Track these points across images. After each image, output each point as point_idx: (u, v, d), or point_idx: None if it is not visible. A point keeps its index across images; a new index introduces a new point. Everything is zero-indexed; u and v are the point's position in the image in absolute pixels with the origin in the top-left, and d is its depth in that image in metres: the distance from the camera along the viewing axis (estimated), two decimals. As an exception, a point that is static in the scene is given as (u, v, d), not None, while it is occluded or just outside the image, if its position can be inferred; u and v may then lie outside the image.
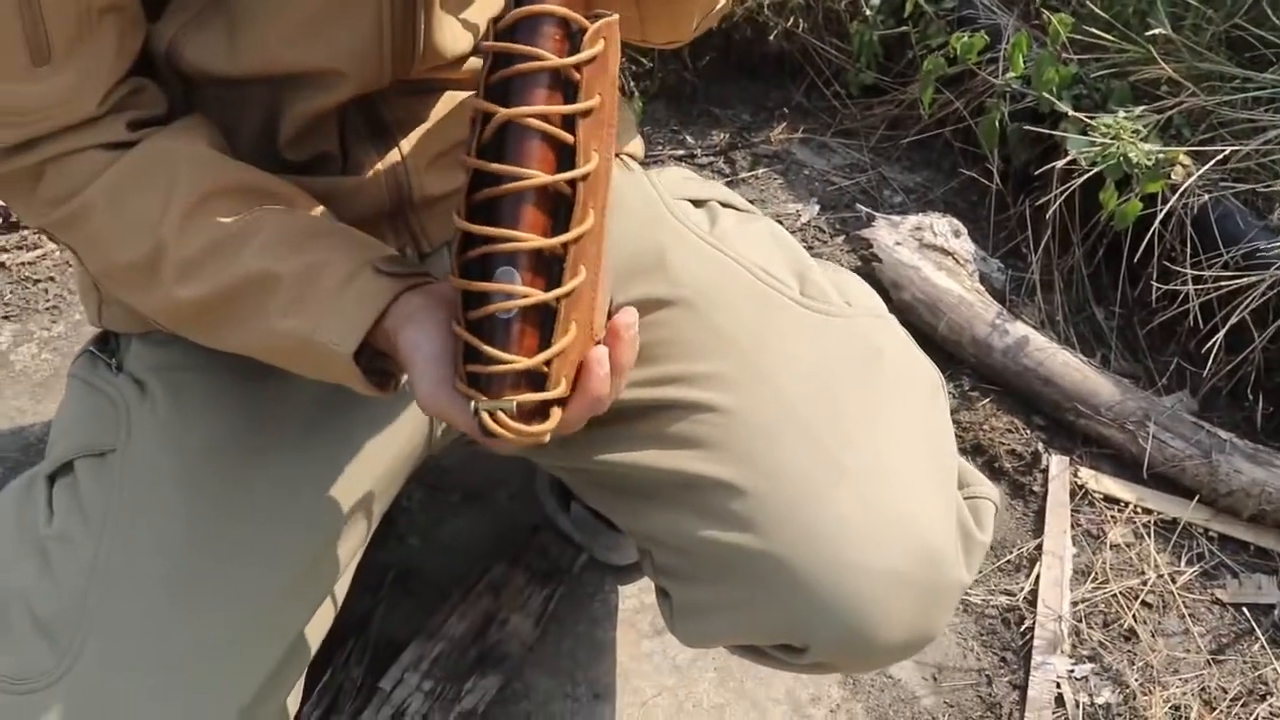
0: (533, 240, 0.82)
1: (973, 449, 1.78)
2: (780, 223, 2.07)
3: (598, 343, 0.88)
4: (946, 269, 1.90)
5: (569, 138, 0.82)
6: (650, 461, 1.07)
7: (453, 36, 1.03)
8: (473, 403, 0.82)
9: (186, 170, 0.94)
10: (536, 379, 0.84)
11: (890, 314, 1.17)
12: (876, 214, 1.98)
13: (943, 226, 1.93)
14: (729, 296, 1.11)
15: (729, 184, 2.16)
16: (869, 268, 1.93)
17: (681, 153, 2.22)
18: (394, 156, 1.06)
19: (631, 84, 2.21)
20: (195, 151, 0.96)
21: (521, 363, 0.82)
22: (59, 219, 0.98)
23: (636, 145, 1.28)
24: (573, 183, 0.83)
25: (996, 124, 1.94)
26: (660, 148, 2.23)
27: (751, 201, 2.06)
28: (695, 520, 1.04)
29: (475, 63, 1.06)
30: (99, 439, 1.07)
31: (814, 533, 0.99)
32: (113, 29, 0.95)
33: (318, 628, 1.10)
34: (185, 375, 1.08)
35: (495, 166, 0.81)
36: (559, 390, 0.84)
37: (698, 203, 1.23)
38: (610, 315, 0.90)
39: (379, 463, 1.11)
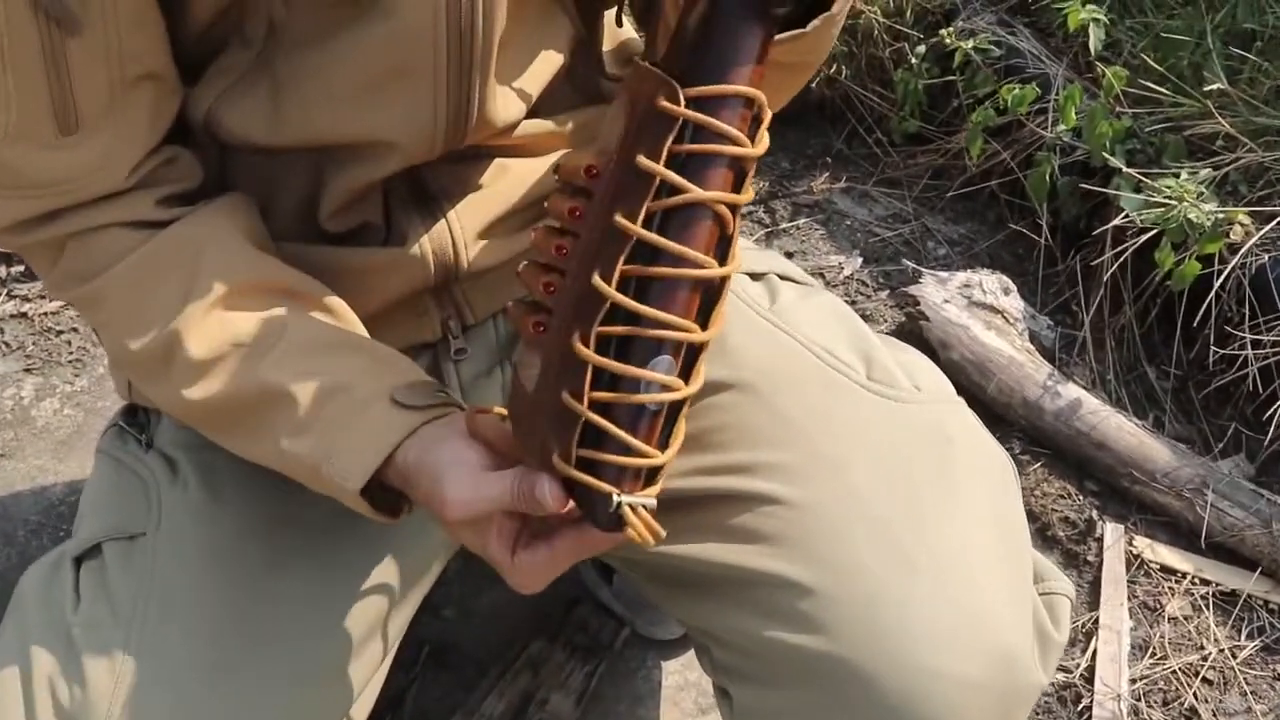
0: (696, 333, 0.77)
1: (1026, 515, 1.73)
2: (822, 276, 2.04)
3: None
4: (996, 328, 1.85)
5: (731, 229, 0.77)
6: (710, 555, 1.02)
7: (505, 105, 0.99)
8: (616, 497, 0.77)
9: (210, 264, 0.91)
10: (652, 476, 0.79)
11: (959, 398, 1.12)
12: (923, 270, 1.94)
13: (992, 284, 1.89)
14: (792, 380, 1.06)
15: (769, 234, 2.12)
16: (915, 325, 1.89)
17: (721, 202, 2.17)
18: (440, 227, 1.02)
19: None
20: (222, 243, 0.93)
21: (659, 458, 0.78)
22: (77, 297, 0.95)
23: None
24: (724, 279, 0.78)
25: (1047, 177, 1.89)
26: (699, 197, 2.18)
27: (791, 253, 2.02)
28: (760, 620, 0.98)
29: (527, 128, 1.03)
30: (129, 521, 1.03)
31: (885, 635, 0.94)
32: (147, 98, 0.92)
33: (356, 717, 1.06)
34: (217, 455, 1.03)
35: (670, 245, 0.75)
36: (660, 487, 0.80)
37: (754, 276, 1.19)
38: None
39: (412, 550, 1.08)
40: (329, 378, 0.88)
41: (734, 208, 0.77)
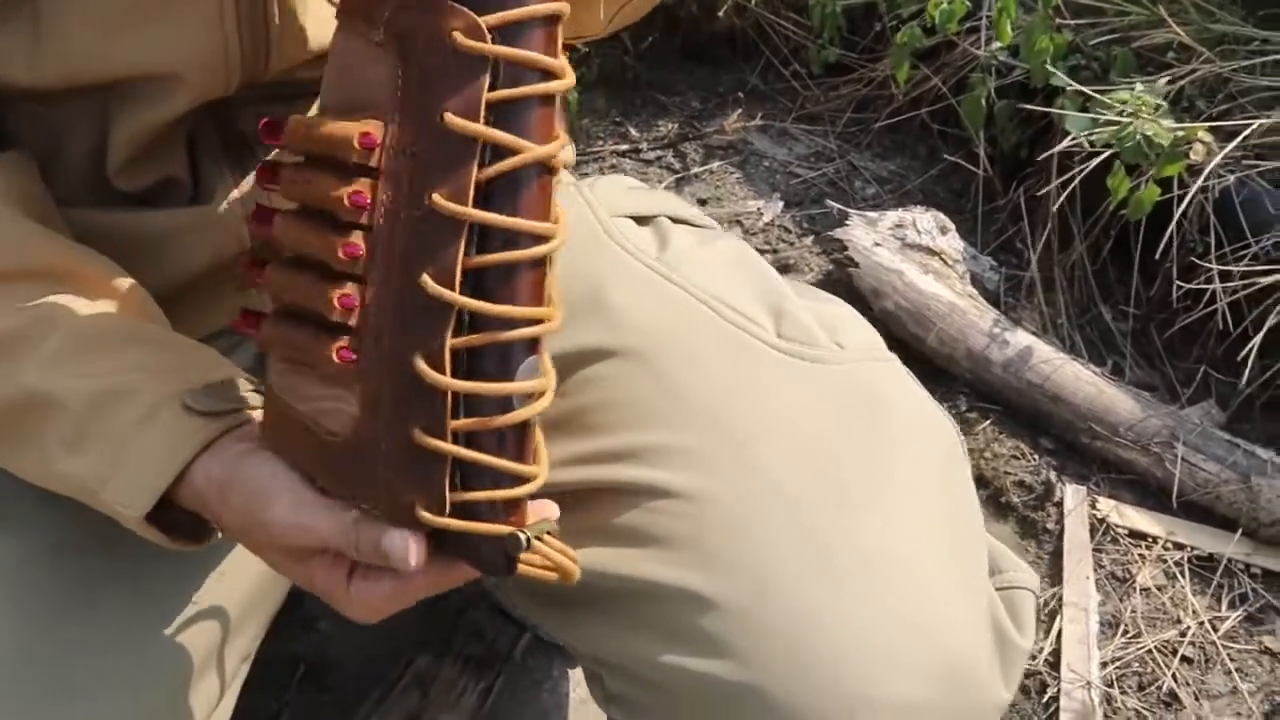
0: (554, 318, 0.64)
1: (974, 480, 1.54)
2: (740, 223, 1.83)
3: None
4: (934, 271, 1.65)
5: (557, 181, 0.64)
6: (593, 563, 0.82)
7: (316, 22, 0.83)
8: (522, 535, 0.64)
9: None
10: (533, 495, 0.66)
11: (892, 356, 0.93)
12: (850, 210, 1.73)
13: (927, 222, 1.69)
14: (685, 342, 0.87)
15: (679, 180, 1.91)
16: (844, 274, 1.69)
17: (625, 147, 1.96)
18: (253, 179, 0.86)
19: (565, 72, 1.96)
20: None
21: (542, 473, 0.65)
22: None
23: (566, 152, 1.04)
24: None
25: (983, 102, 1.70)
26: (601, 143, 1.97)
27: (704, 200, 1.83)
28: (656, 642, 0.81)
29: None
30: None
31: (808, 658, 0.76)
32: None
33: None
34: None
35: (518, 223, 0.61)
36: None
37: (642, 220, 0.99)
38: None
39: (250, 563, 0.87)
40: (108, 380, 0.75)
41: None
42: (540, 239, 0.62)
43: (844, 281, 1.69)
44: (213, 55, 0.80)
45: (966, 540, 0.86)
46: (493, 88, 0.60)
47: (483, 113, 0.60)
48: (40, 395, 0.75)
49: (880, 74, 1.90)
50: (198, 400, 0.74)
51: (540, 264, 0.63)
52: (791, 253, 1.80)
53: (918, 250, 1.67)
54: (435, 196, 0.61)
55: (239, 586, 0.89)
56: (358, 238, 0.62)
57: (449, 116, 0.60)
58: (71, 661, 0.82)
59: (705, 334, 0.88)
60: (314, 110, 0.66)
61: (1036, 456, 1.56)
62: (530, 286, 0.62)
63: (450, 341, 0.62)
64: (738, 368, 0.86)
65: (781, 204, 1.88)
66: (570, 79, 0.62)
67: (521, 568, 0.66)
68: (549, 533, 0.67)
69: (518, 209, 0.61)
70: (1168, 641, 1.40)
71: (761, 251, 1.80)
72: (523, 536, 0.64)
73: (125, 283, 0.81)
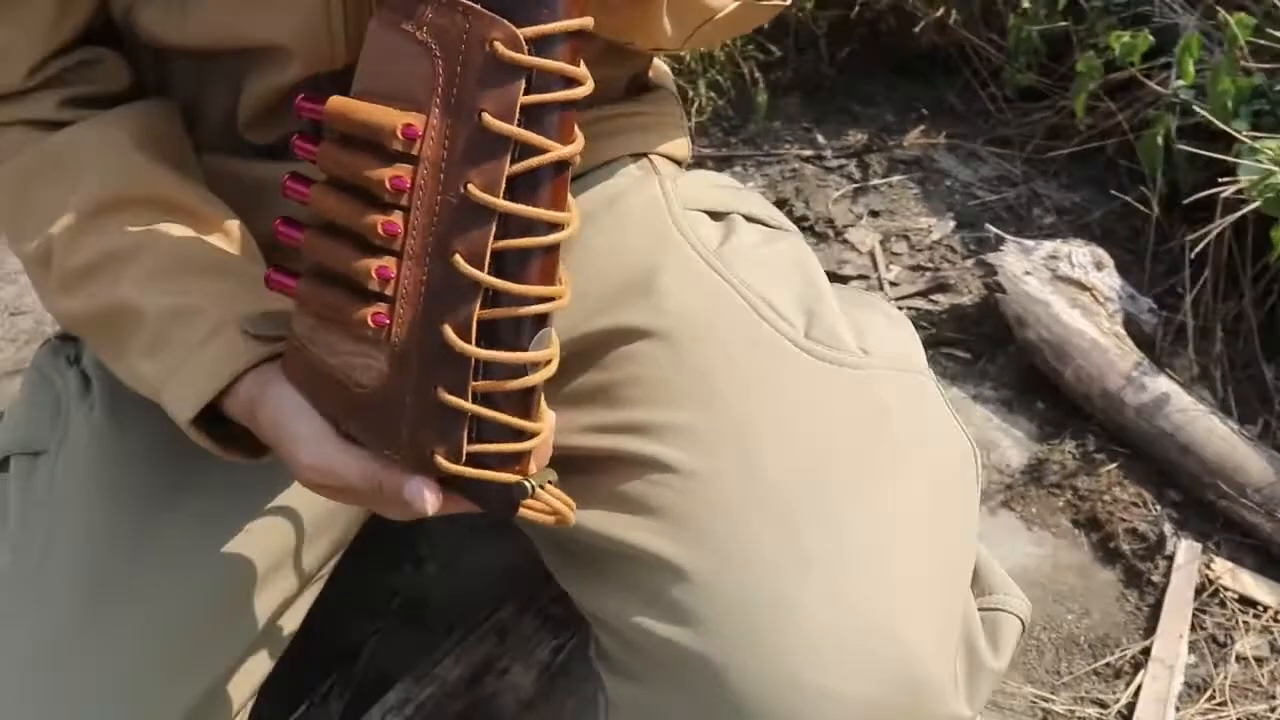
0: (564, 296, 0.72)
1: (1086, 523, 1.51)
2: (907, 238, 1.84)
3: None
4: (1082, 306, 1.62)
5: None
6: (597, 525, 0.89)
7: None
8: (528, 483, 0.72)
9: (96, 172, 0.88)
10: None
11: (923, 370, 0.96)
12: (1007, 236, 1.71)
13: (1083, 256, 1.66)
14: (716, 331, 0.93)
15: (857, 190, 1.93)
16: (992, 298, 1.67)
17: (809, 153, 1.99)
18: None
19: (757, 73, 1.99)
20: (111, 151, 0.89)
21: (546, 430, 0.74)
22: None
23: (676, 146, 1.10)
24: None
25: (1159, 140, 1.65)
26: (786, 146, 2.00)
27: (878, 212, 1.84)
28: (637, 604, 0.86)
29: None
30: (35, 437, 1.00)
31: (762, 640, 0.80)
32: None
33: (248, 673, 0.97)
34: None
35: (539, 213, 0.69)
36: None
37: (715, 215, 1.04)
38: None
39: (317, 502, 0.97)
40: (185, 298, 0.83)
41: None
42: (556, 227, 0.69)
43: (992, 307, 1.68)
44: (318, 34, 0.87)
45: (948, 552, 0.88)
46: (525, 92, 0.67)
47: (516, 114, 0.67)
48: (129, 305, 0.84)
49: (1072, 103, 1.86)
50: (256, 325, 0.81)
51: (555, 249, 0.70)
52: (951, 273, 1.79)
53: (1069, 284, 1.64)
54: (470, 187, 0.67)
55: (315, 502, 0.97)
56: (396, 217, 0.69)
57: (486, 117, 0.67)
58: (153, 546, 0.92)
59: (736, 326, 0.93)
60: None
61: (1158, 507, 1.51)
62: (546, 268, 0.70)
63: (478, 314, 0.69)
64: (758, 361, 0.91)
65: (953, 224, 1.87)
66: (589, 86, 0.69)
67: (523, 511, 0.73)
68: (551, 482, 0.74)
69: (539, 200, 0.68)
70: (1255, 715, 1.35)
71: (922, 269, 1.80)
72: (528, 484, 0.72)
73: (224, 218, 0.90)
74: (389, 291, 0.70)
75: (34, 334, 1.75)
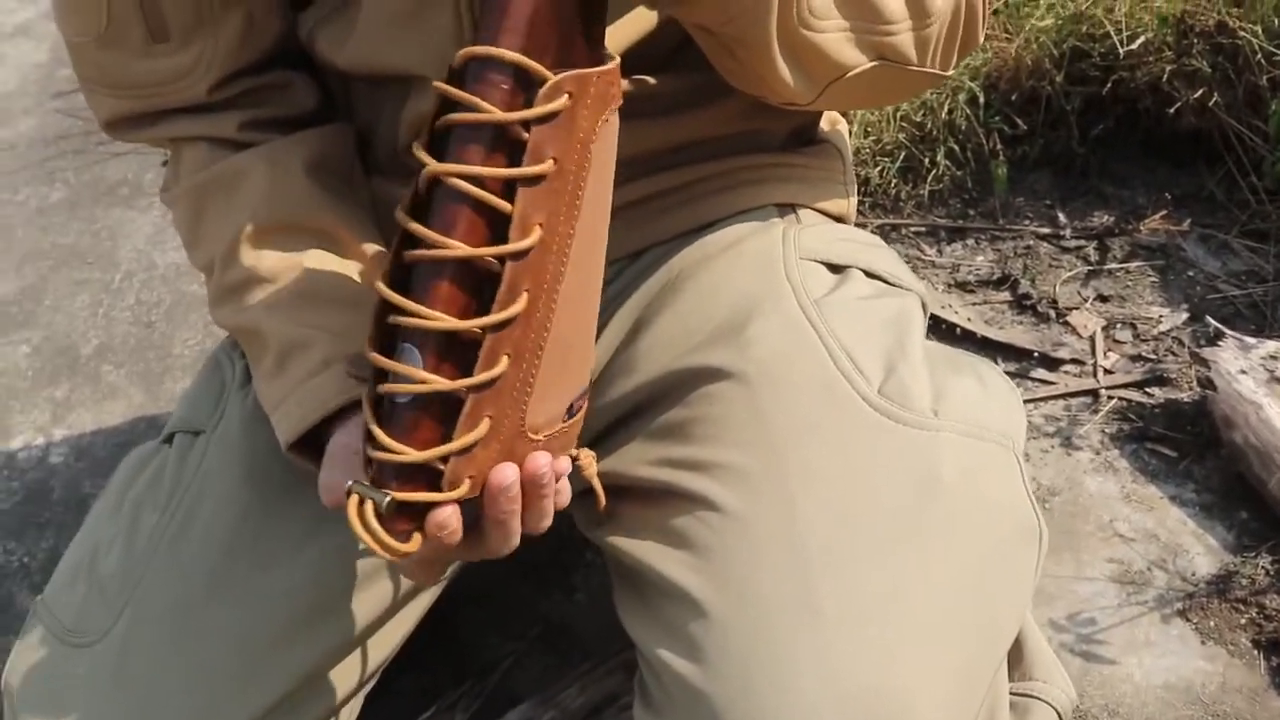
0: (441, 321, 0.72)
1: (1269, 645, 1.39)
2: (1134, 326, 1.75)
3: (540, 447, 0.77)
4: (1298, 413, 1.50)
5: (505, 206, 0.71)
6: (641, 554, 0.92)
7: None
8: (349, 483, 0.75)
9: (261, 196, 0.94)
10: (434, 478, 0.73)
11: (1002, 438, 0.93)
12: (1227, 331, 1.60)
13: (1307, 359, 1.53)
14: (791, 377, 0.94)
15: (1090, 273, 1.85)
16: (1200, 395, 1.57)
17: (1047, 230, 1.92)
18: None
19: (999, 145, 1.94)
20: (281, 177, 0.96)
21: (407, 455, 0.73)
22: (166, 201, 1.02)
23: (831, 202, 1.10)
24: (501, 259, 0.71)
25: None
26: (1025, 222, 1.94)
27: (1108, 297, 1.77)
28: (660, 634, 0.88)
29: None
30: (197, 418, 1.08)
31: (764, 696, 0.80)
32: (239, 16, 0.96)
33: (340, 678, 1.02)
34: None
35: (415, 228, 0.73)
36: (456, 493, 0.73)
37: (834, 268, 1.04)
38: (576, 413, 0.79)
39: None
40: (302, 331, 0.89)
41: (506, 182, 0.71)
42: (451, 249, 0.74)
43: (1201, 403, 1.58)
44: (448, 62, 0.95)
45: (977, 625, 0.85)
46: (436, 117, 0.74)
47: (425, 135, 0.75)
48: (258, 329, 0.92)
49: (1339, 198, 1.72)
50: (360, 367, 0.86)
51: (451, 271, 0.73)
52: (1173, 366, 1.69)
53: (1287, 387, 1.51)
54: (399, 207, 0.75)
55: None
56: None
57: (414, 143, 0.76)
58: (279, 533, 0.99)
59: (811, 375, 0.94)
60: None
61: (1352, 638, 1.38)
62: (436, 289, 0.73)
63: (375, 321, 0.76)
64: (822, 410, 0.92)
65: (1186, 316, 1.76)
66: (506, 116, 0.71)
67: (351, 527, 0.74)
68: (375, 501, 0.74)
69: (437, 222, 0.73)
70: None
71: (1143, 359, 1.71)
72: (347, 485, 0.75)
73: (372, 247, 0.96)
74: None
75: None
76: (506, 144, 0.71)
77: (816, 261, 1.03)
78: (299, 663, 0.97)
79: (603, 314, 0.94)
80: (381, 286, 0.74)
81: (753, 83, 0.90)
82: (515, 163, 0.71)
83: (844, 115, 1.17)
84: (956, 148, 1.95)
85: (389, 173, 1.04)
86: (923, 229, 1.91)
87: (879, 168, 1.95)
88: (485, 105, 0.70)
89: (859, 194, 1.83)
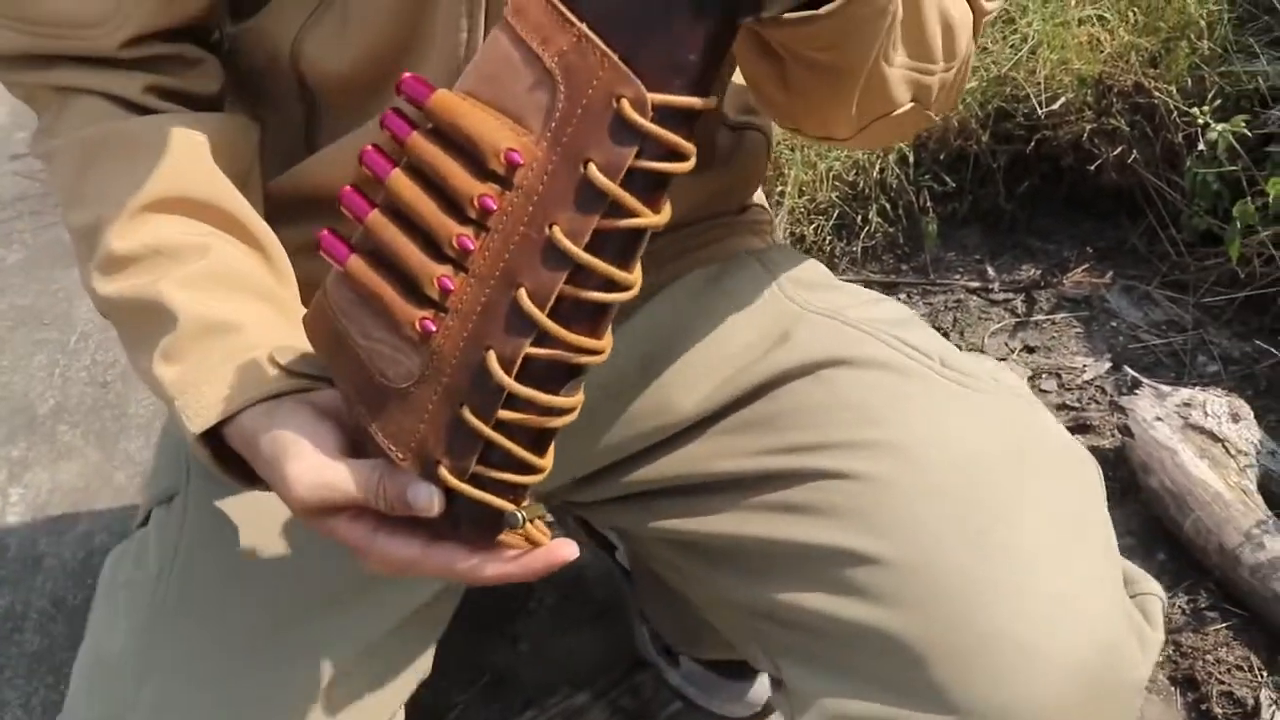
0: (607, 353, 0.71)
1: (1184, 681, 1.45)
2: (1058, 376, 1.82)
3: None
4: (1211, 458, 1.56)
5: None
6: (770, 532, 0.95)
7: None
8: (520, 514, 0.72)
9: (169, 165, 0.87)
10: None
11: (1038, 401, 1.01)
12: (1144, 380, 1.67)
13: (1219, 407, 1.60)
14: (862, 364, 0.98)
15: (1018, 325, 1.92)
16: (1120, 442, 1.63)
17: (976, 284, 1.99)
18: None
19: (929, 203, 2.02)
20: (186, 150, 0.89)
21: (548, 467, 0.73)
22: (40, 153, 0.94)
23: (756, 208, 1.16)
24: None
25: (1315, 293, 1.58)
26: (956, 276, 2.01)
27: (1034, 348, 1.84)
28: (827, 595, 0.91)
29: None
30: (166, 483, 1.04)
31: (971, 611, 0.85)
32: None
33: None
34: None
35: (614, 273, 0.68)
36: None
37: (816, 280, 1.08)
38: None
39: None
40: (225, 314, 0.83)
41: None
42: (623, 288, 0.69)
43: (1118, 451, 1.64)
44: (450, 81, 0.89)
45: (1103, 546, 0.91)
46: (636, 156, 0.66)
47: (621, 174, 0.66)
48: (164, 305, 0.83)
49: (1252, 249, 1.80)
50: (286, 358, 0.81)
51: (613, 307, 0.70)
52: (1095, 414, 1.75)
53: (1200, 433, 1.58)
54: (555, 229, 0.67)
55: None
56: (472, 233, 0.68)
57: (593, 169, 0.66)
58: (284, 585, 0.95)
59: (879, 359, 0.97)
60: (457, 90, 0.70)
61: (1264, 674, 1.44)
62: (601, 323, 0.70)
63: (526, 350, 0.69)
64: (905, 385, 0.96)
65: (1109, 365, 1.83)
66: (691, 163, 0.68)
67: (502, 538, 0.74)
68: (540, 517, 0.74)
69: (615, 259, 0.68)
70: None
71: (1067, 408, 1.78)
72: (520, 515, 0.72)
73: (277, 248, 0.91)
74: (444, 302, 0.69)
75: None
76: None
77: (799, 276, 1.06)
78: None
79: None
80: (558, 328, 0.68)
81: (803, 114, 0.90)
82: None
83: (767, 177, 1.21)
84: (888, 205, 2.02)
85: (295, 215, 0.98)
86: (857, 284, 1.97)
87: (814, 225, 2.02)
88: (691, 152, 0.68)
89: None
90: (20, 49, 0.91)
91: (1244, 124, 1.74)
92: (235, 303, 0.84)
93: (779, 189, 1.99)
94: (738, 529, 0.96)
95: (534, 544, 0.74)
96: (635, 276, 0.69)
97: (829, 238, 2.02)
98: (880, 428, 0.93)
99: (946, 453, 0.91)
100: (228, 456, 0.82)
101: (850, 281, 1.10)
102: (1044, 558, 0.86)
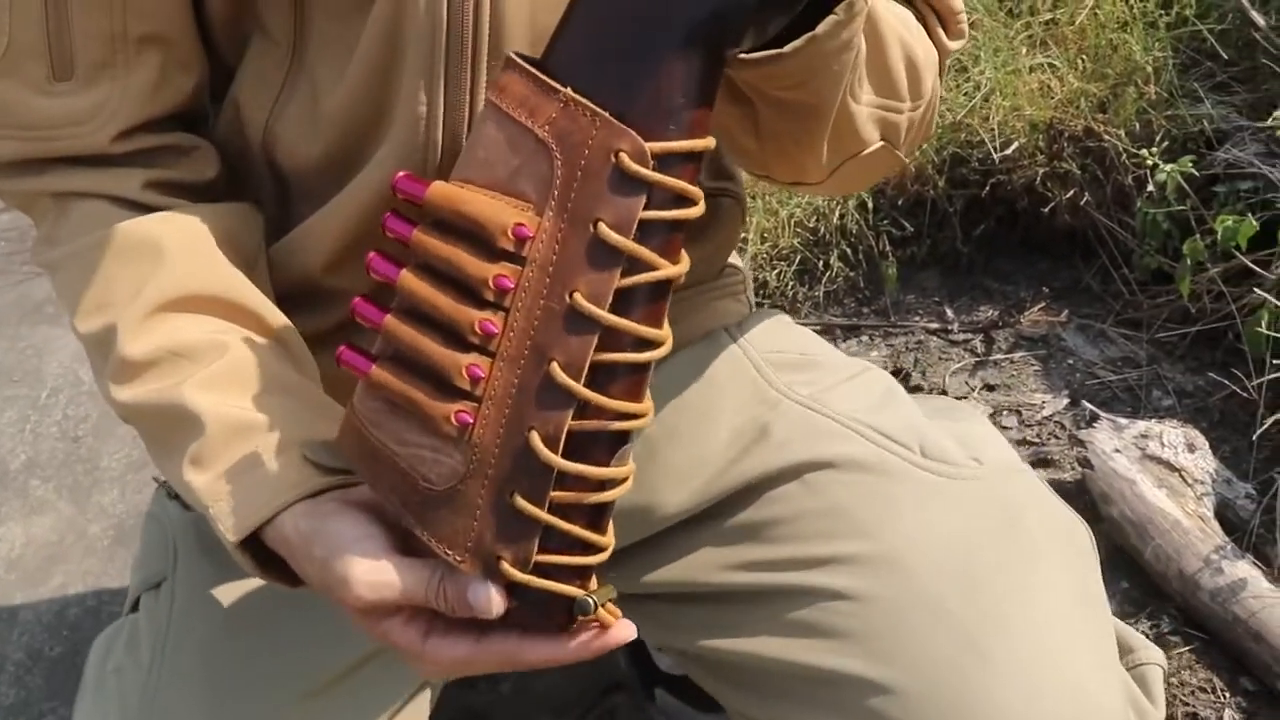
0: (650, 413, 0.69)
1: (1149, 706, 1.48)
2: (1018, 413, 1.86)
3: None
4: (1169, 487, 1.61)
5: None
6: (770, 652, 0.96)
7: None
8: (590, 599, 0.69)
9: (178, 263, 0.86)
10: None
11: (1024, 467, 1.03)
12: (1102, 414, 1.72)
13: (1175, 437, 1.64)
14: (845, 466, 0.99)
15: (978, 364, 1.96)
16: (1080, 474, 1.68)
17: (936, 325, 2.04)
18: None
19: (888, 247, 2.07)
20: (193, 246, 0.88)
21: (610, 544, 0.71)
22: (43, 263, 0.92)
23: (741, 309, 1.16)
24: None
25: (1264, 326, 1.64)
26: (915, 318, 2.06)
27: (994, 386, 1.88)
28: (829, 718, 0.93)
29: None
30: (153, 569, 1.04)
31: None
32: (152, 64, 0.89)
33: None
34: None
35: (642, 330, 0.67)
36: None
37: (798, 361, 1.09)
38: None
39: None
40: (249, 414, 0.81)
41: None
42: (653, 345, 0.67)
43: (1079, 483, 1.68)
44: (414, 157, 0.88)
45: (1100, 630, 0.93)
46: (644, 207, 0.65)
47: (633, 228, 0.65)
48: (188, 410, 0.80)
49: (1202, 286, 1.85)
50: (317, 453, 0.78)
51: (648, 367, 0.68)
52: (1055, 449, 1.80)
53: (1157, 463, 1.62)
54: (576, 296, 0.65)
55: None
56: (494, 316, 0.66)
57: (604, 228, 0.65)
58: (274, 662, 0.95)
59: (858, 459, 0.98)
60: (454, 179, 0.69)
61: (1227, 695, 1.47)
62: (638, 385, 0.68)
63: (569, 425, 0.66)
64: (889, 488, 0.97)
65: (1066, 401, 1.88)
66: (702, 207, 0.67)
67: (605, 625, 0.70)
68: (611, 600, 0.71)
69: (641, 317, 0.67)
70: None
71: (1027, 444, 1.82)
72: (591, 600, 0.69)
73: (290, 332, 0.89)
74: (477, 391, 0.67)
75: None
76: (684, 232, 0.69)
77: (776, 353, 1.07)
78: None
79: None
80: (592, 393, 0.67)
81: (775, 160, 0.90)
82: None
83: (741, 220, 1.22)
84: (849, 250, 2.07)
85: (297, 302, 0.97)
86: (819, 328, 2.02)
87: (776, 271, 2.06)
88: (699, 196, 0.68)
89: (758, 296, 1.94)
90: (13, 155, 0.90)
91: (1191, 164, 1.80)
92: (260, 400, 0.82)
93: (742, 235, 2.03)
94: (735, 648, 0.97)
95: (604, 626, 0.71)
96: (665, 333, 0.68)
97: (791, 283, 2.07)
98: (870, 539, 0.93)
99: (934, 560, 0.92)
100: (267, 558, 0.79)
101: (812, 325, 1.11)
102: (1044, 661, 0.87)
